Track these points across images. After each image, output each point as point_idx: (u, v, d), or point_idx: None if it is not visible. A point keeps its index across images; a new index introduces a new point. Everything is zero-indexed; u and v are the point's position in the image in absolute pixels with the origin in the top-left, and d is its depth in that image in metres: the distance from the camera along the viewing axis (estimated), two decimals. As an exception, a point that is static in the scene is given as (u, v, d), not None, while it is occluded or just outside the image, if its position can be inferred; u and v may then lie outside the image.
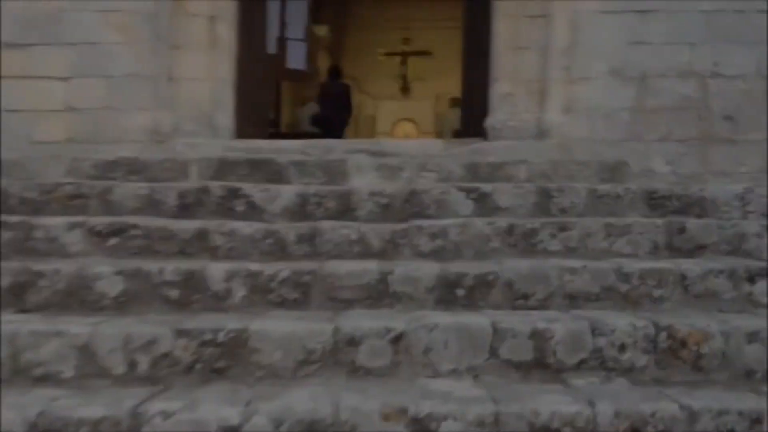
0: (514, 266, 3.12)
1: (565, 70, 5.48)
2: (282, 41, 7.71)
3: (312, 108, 10.68)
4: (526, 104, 5.61)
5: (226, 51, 5.86)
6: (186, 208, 3.82)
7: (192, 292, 3.07)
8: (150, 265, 3.13)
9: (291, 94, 11.91)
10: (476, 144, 5.59)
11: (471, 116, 6.37)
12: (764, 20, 5.36)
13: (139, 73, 5.75)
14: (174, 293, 3.07)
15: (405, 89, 20.44)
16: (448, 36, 18.40)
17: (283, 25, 7.68)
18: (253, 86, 6.26)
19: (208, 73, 5.81)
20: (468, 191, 3.81)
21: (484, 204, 3.79)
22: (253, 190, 3.82)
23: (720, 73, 5.41)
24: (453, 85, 19.00)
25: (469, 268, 3.13)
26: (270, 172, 4.33)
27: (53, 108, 5.80)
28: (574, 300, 3.05)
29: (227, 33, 5.85)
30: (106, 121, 5.77)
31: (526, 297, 3.05)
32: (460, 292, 3.04)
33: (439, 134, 13.06)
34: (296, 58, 8.00)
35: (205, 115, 5.81)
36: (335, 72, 10.27)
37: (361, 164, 4.35)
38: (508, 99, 5.64)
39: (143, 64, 5.74)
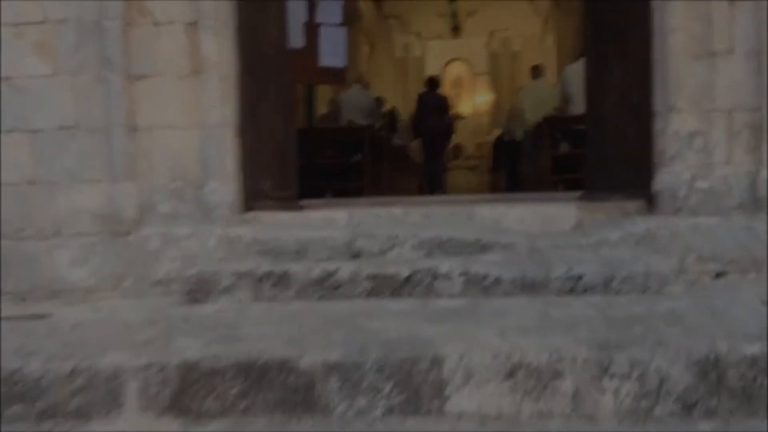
0: None
1: (799, 91, 3.10)
2: (311, 29, 5.35)
3: (355, 90, 8.92)
4: (726, 150, 3.26)
5: (220, 76, 3.60)
6: None
7: None
8: None
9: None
10: (639, 223, 3.28)
11: (606, 149, 4.00)
12: None
13: (80, 122, 3.57)
14: None
15: (455, 28, 18.55)
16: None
17: (311, 6, 5.32)
18: (269, 123, 3.95)
19: (192, 115, 3.58)
20: None
21: None
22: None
23: None
24: (508, 20, 17.15)
25: None
26: (286, 394, 2.11)
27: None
28: None
29: (218, 48, 3.57)
30: (35, 200, 3.64)
31: None
32: None
33: (511, 112, 10.76)
34: (332, 51, 5.58)
35: (192, 185, 3.62)
36: (432, 84, 9.96)
37: (473, 366, 2.11)
38: (694, 141, 3.29)
39: (86, 108, 3.56)
